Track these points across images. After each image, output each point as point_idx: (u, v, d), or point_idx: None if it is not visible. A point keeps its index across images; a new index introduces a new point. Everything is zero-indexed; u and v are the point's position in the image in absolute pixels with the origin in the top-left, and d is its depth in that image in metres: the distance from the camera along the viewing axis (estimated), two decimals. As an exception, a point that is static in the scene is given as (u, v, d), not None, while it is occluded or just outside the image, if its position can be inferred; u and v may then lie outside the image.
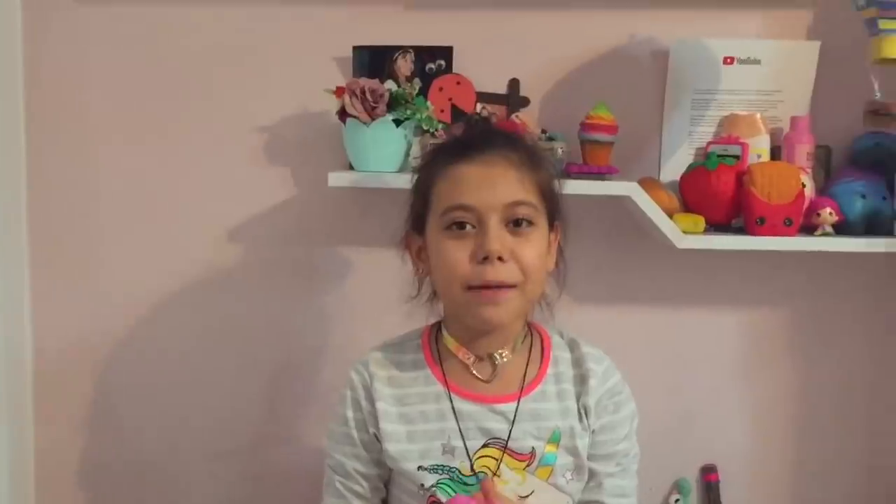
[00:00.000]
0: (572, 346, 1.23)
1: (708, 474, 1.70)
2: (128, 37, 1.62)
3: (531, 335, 1.22)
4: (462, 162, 1.12)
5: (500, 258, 1.08)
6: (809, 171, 1.55)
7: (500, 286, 1.09)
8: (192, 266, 1.65)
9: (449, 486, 1.14)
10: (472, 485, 1.13)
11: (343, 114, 1.49)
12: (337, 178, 1.47)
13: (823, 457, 1.71)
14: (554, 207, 1.16)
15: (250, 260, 1.66)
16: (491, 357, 1.17)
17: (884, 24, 1.23)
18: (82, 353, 1.67)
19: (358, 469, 1.18)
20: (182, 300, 1.66)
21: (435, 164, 1.16)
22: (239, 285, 1.66)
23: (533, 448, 1.15)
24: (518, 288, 1.10)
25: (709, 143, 1.59)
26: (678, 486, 1.70)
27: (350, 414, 1.18)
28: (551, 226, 1.16)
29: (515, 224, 1.10)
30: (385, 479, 1.21)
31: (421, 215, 1.17)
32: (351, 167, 1.55)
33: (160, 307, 1.66)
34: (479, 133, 1.19)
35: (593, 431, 1.18)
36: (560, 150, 1.48)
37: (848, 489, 1.71)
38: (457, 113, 1.57)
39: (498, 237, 1.08)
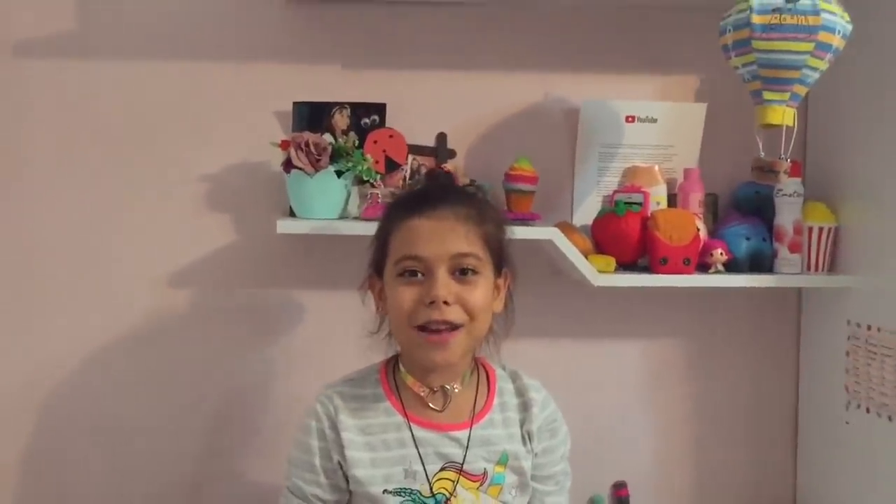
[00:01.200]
0: (514, 377, 1.37)
1: (619, 490, 1.83)
2: (69, 89, 1.65)
3: (478, 369, 1.35)
4: (416, 216, 1.24)
5: (445, 302, 1.20)
6: (701, 216, 1.73)
7: (447, 326, 1.21)
8: (137, 310, 1.69)
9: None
10: None
11: (288, 165, 1.57)
12: (285, 225, 1.55)
13: (717, 470, 1.88)
14: (500, 256, 1.29)
15: (193, 303, 1.70)
16: (443, 389, 1.29)
17: (767, 96, 1.43)
18: (24, 390, 1.67)
19: (316, 494, 1.26)
20: (126, 343, 1.69)
21: (393, 217, 1.28)
22: (183, 328, 1.70)
23: (485, 469, 1.27)
24: (464, 328, 1.23)
25: (615, 192, 1.74)
26: (593, 502, 1.83)
27: (315, 443, 1.27)
28: (499, 272, 1.30)
29: (461, 272, 1.23)
30: None
31: (380, 261, 1.28)
32: (292, 214, 1.63)
33: (104, 349, 1.68)
34: (433, 189, 1.31)
35: (535, 454, 1.32)
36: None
37: (737, 498, 1.89)
38: (390, 163, 1.68)
39: (444, 285, 1.21)
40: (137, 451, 1.71)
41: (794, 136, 1.46)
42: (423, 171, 1.71)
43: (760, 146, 1.50)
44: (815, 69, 1.41)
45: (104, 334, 1.69)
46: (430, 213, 1.24)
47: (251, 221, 1.70)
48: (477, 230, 1.25)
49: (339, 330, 1.32)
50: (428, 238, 1.22)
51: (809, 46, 1.36)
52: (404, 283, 1.23)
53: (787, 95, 1.43)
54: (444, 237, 1.22)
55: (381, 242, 1.29)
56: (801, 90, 1.44)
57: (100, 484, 1.70)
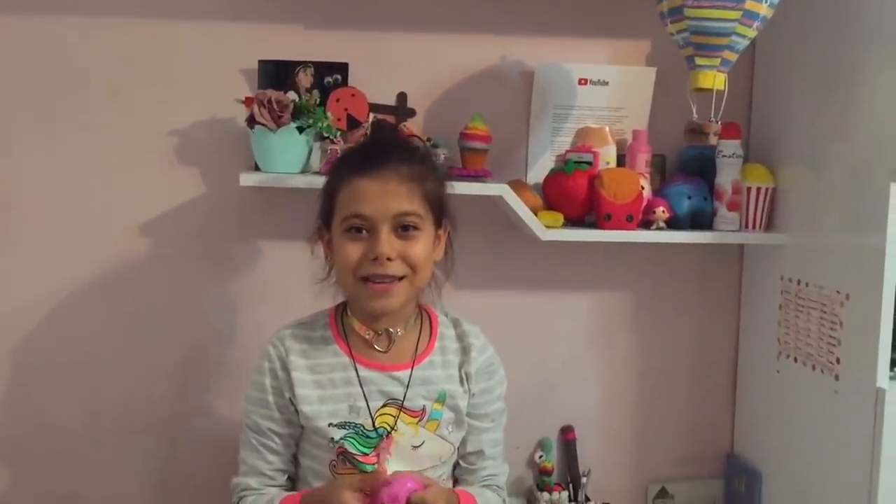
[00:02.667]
0: (455, 323, 1.46)
1: (566, 433, 1.93)
2: (41, 44, 1.69)
3: (421, 315, 1.44)
4: (361, 176, 1.31)
5: (388, 258, 1.29)
6: (648, 175, 1.81)
7: (391, 279, 1.30)
8: (108, 257, 1.74)
9: (355, 439, 1.34)
10: (373, 438, 1.34)
11: (252, 121, 1.63)
12: (248, 178, 1.62)
13: (660, 415, 1.98)
14: (440, 210, 1.37)
15: (162, 252, 1.76)
16: (388, 332, 1.39)
17: (699, 61, 1.50)
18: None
19: (272, 428, 1.36)
20: (97, 289, 1.75)
21: (340, 174, 1.35)
22: (151, 274, 1.76)
23: (424, 406, 1.37)
24: (406, 279, 1.32)
25: (566, 151, 1.81)
26: (541, 445, 1.92)
27: (267, 381, 1.36)
28: (440, 224, 1.38)
29: (403, 229, 1.31)
30: (296, 438, 1.39)
31: (328, 214, 1.37)
32: (257, 168, 1.69)
33: (75, 294, 1.74)
34: (379, 148, 1.36)
35: (473, 395, 1.41)
36: (442, 156, 1.69)
37: (679, 442, 2.00)
38: (352, 121, 1.73)
39: (387, 242, 1.29)
40: (111, 389, 1.78)
41: (724, 99, 1.51)
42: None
43: (694, 109, 1.56)
44: (743, 36, 1.47)
45: (77, 280, 1.74)
46: (373, 173, 1.31)
47: (217, 175, 1.76)
48: (418, 188, 1.32)
49: (297, 276, 1.40)
50: (372, 198, 1.30)
51: (737, 14, 1.43)
52: (350, 239, 1.31)
53: (717, 61, 1.49)
54: (386, 197, 1.30)
55: (329, 197, 1.36)
56: (731, 56, 1.50)
57: (74, 421, 1.77)
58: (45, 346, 1.76)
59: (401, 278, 1.32)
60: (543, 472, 1.92)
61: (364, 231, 1.31)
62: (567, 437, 1.94)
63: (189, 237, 1.78)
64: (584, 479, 1.90)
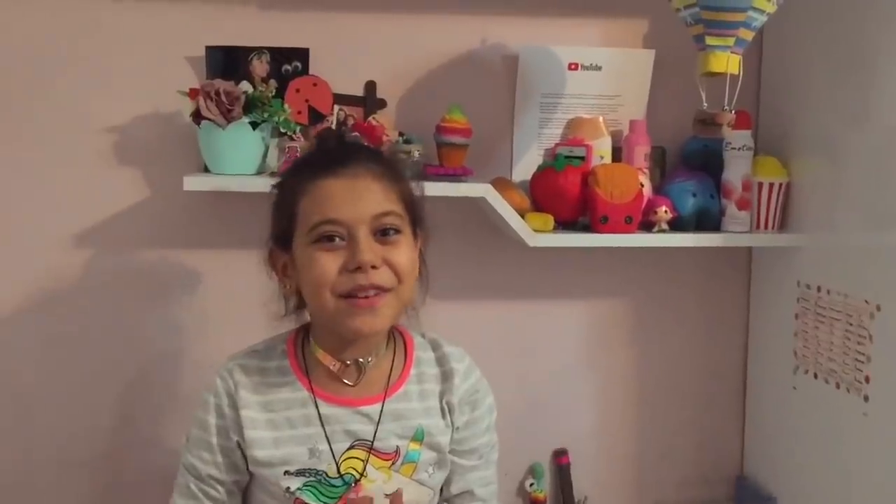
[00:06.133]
0: (434, 345, 1.27)
1: (559, 458, 1.79)
2: None
3: (394, 337, 1.25)
4: (326, 177, 1.13)
5: (372, 266, 1.10)
6: (647, 170, 1.66)
7: (377, 290, 1.11)
8: (39, 273, 1.59)
9: (315, 488, 1.16)
10: (338, 486, 1.16)
11: (198, 116, 1.46)
12: (192, 182, 1.45)
13: (662, 435, 1.84)
14: (416, 216, 1.20)
15: (101, 265, 1.60)
16: (357, 362, 1.19)
17: (710, 41, 1.33)
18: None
19: (213, 475, 1.18)
20: (28, 307, 1.59)
21: (298, 180, 1.16)
22: (88, 291, 1.60)
23: (397, 447, 1.19)
24: (393, 292, 1.13)
25: (556, 145, 1.66)
26: (532, 471, 1.78)
27: (212, 420, 1.18)
28: (414, 234, 1.20)
29: (383, 233, 1.13)
30: (242, 485, 1.21)
31: (286, 231, 1.16)
32: (207, 169, 1.53)
33: (6, 315, 1.59)
34: (341, 147, 1.20)
35: (457, 428, 1.24)
36: (417, 153, 1.52)
37: (684, 464, 1.86)
38: (314, 114, 1.58)
39: (369, 247, 1.11)
40: (44, 420, 1.62)
41: (738, 85, 1.37)
42: (351, 122, 1.61)
43: (703, 96, 1.41)
44: (761, 11, 1.32)
45: (5, 297, 1.58)
46: (341, 171, 1.13)
47: (161, 177, 1.59)
48: (393, 187, 1.15)
49: (253, 292, 1.23)
50: (344, 199, 1.12)
51: (755, -14, 1.26)
52: (322, 250, 1.12)
53: (731, 41, 1.33)
54: (361, 196, 1.12)
55: (287, 210, 1.16)
56: (748, 35, 1.34)
57: (2, 456, 1.62)
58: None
59: (386, 290, 1.12)
60: (535, 503, 1.77)
61: (338, 239, 1.11)
62: (560, 462, 1.80)
63: (131, 249, 1.62)
64: (579, 509, 1.77)
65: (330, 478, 1.16)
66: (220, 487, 1.19)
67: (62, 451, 1.63)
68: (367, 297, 1.11)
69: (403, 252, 1.14)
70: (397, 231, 1.14)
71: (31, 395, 1.61)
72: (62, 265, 1.59)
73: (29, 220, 1.57)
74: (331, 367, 1.19)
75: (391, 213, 1.13)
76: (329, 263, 1.11)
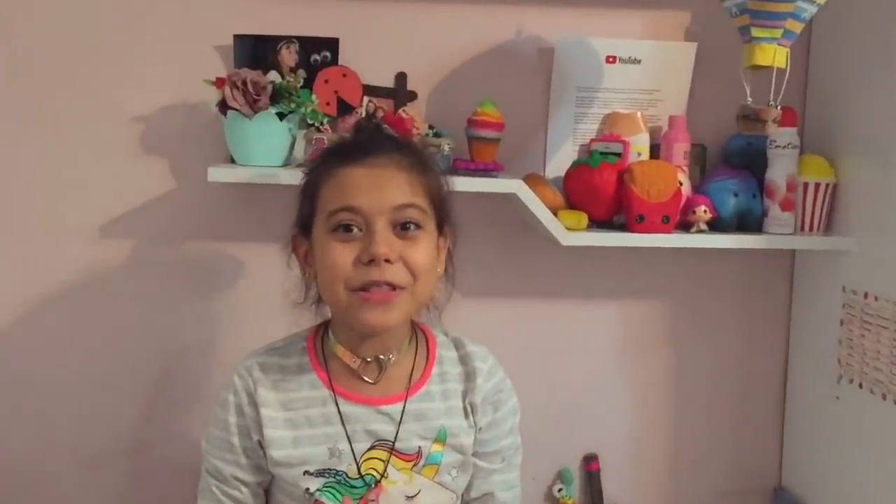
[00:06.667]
0: (457, 344, 1.23)
1: (590, 463, 1.74)
2: None
3: (416, 335, 1.22)
4: (350, 164, 1.10)
5: (387, 260, 1.07)
6: (686, 168, 1.60)
7: (390, 287, 1.07)
8: (65, 264, 1.57)
9: (335, 489, 1.13)
10: (359, 487, 1.13)
11: (224, 106, 1.44)
12: (216, 174, 1.42)
13: (697, 444, 1.78)
14: (443, 213, 1.16)
15: (126, 257, 1.58)
16: (378, 360, 1.16)
17: (756, 32, 1.27)
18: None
19: (236, 475, 1.15)
20: (54, 300, 1.58)
21: (323, 166, 1.13)
22: (114, 283, 1.58)
23: (419, 448, 1.15)
24: (407, 290, 1.09)
25: (592, 141, 1.62)
26: (561, 476, 1.74)
27: (232, 419, 1.15)
28: (440, 231, 1.16)
29: (403, 227, 1.09)
30: (265, 486, 1.18)
31: (308, 218, 1.14)
32: (233, 160, 1.50)
33: (31, 307, 1.57)
34: (371, 136, 1.17)
35: (480, 429, 1.20)
36: (447, 147, 1.48)
37: (720, 474, 1.79)
38: (343, 106, 1.55)
39: (385, 240, 1.07)
40: (68, 415, 1.60)
41: (786, 79, 1.30)
42: (381, 114, 1.57)
43: (748, 91, 1.35)
44: (812, 2, 1.26)
45: (27, 288, 1.57)
46: (365, 159, 1.10)
47: (188, 168, 1.57)
48: (419, 179, 1.11)
49: (279, 286, 1.20)
50: (365, 187, 1.08)
51: (805, -26, 1.20)
52: (338, 240, 1.09)
53: (779, 32, 1.27)
54: (383, 186, 1.08)
55: (309, 196, 1.14)
56: (796, 26, 1.28)
57: (25, 451, 1.60)
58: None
59: (401, 288, 1.08)
60: None
61: (355, 229, 1.08)
62: (590, 468, 1.75)
63: (156, 240, 1.59)
64: (609, 517, 1.72)
65: (350, 478, 1.13)
66: (243, 488, 1.16)
67: (86, 445, 1.62)
68: (380, 293, 1.07)
69: (422, 249, 1.10)
70: (418, 226, 1.10)
71: (56, 388, 1.60)
72: (87, 256, 1.57)
73: (54, 210, 1.56)
74: (350, 364, 1.16)
75: (413, 205, 1.09)
76: (344, 255, 1.08)
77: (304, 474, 1.12)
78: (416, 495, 1.15)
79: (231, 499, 1.15)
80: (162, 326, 1.61)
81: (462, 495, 1.22)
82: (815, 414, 1.68)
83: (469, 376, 1.20)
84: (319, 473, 1.12)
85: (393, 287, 1.08)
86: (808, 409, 1.71)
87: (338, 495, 1.13)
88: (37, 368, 1.59)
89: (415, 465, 1.15)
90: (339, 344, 1.17)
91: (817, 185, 1.56)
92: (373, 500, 1.13)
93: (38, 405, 1.60)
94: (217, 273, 1.61)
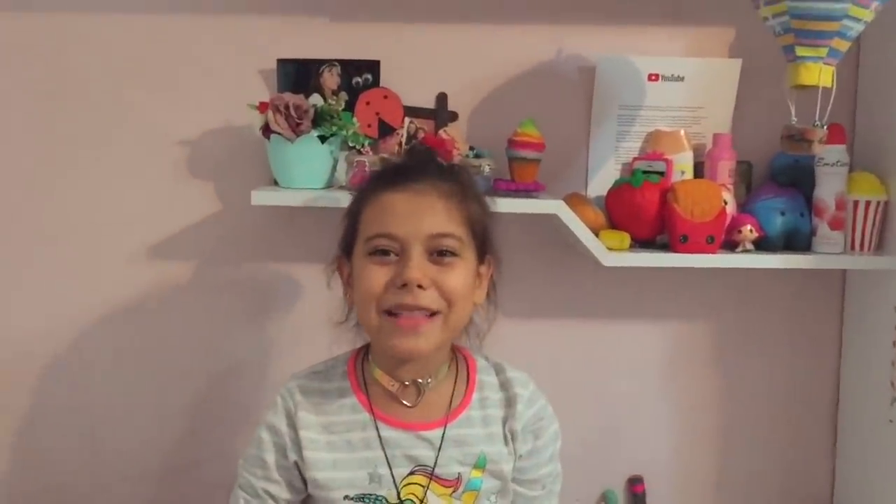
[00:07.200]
0: (498, 370, 1.22)
1: (634, 485, 1.71)
2: (32, 44, 1.54)
3: (456, 360, 1.21)
4: (391, 190, 1.11)
5: (420, 286, 1.07)
6: (731, 187, 1.57)
7: (422, 313, 1.08)
8: (111, 286, 1.59)
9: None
10: None
11: (267, 130, 1.45)
12: (259, 197, 1.43)
13: (745, 466, 1.74)
14: (484, 240, 1.16)
15: (172, 280, 1.60)
16: (416, 383, 1.16)
17: (801, 52, 1.24)
18: (-1, 374, 1.61)
19: (268, 490, 1.16)
20: (100, 320, 1.60)
21: (367, 189, 1.15)
22: (159, 303, 1.60)
23: (459, 474, 1.15)
24: (440, 316, 1.10)
25: (634, 159, 1.59)
26: (605, 498, 1.71)
27: (270, 438, 1.16)
28: (482, 259, 1.16)
29: (440, 254, 1.10)
30: None
31: (350, 240, 1.16)
32: (276, 183, 1.51)
33: (78, 328, 1.60)
34: (415, 162, 1.17)
35: (520, 456, 1.19)
36: (487, 168, 1.47)
37: (769, 498, 1.75)
38: (384, 127, 1.55)
39: (419, 266, 1.08)
40: (114, 433, 1.62)
41: (832, 98, 1.27)
42: (421, 135, 1.58)
43: (793, 111, 1.32)
44: (858, 20, 1.22)
45: (74, 309, 1.59)
46: (407, 186, 1.11)
47: (233, 190, 1.58)
48: (459, 208, 1.12)
49: (322, 308, 1.21)
50: (403, 214, 1.09)
51: (851, -8, 1.17)
52: (374, 263, 1.10)
53: (824, 51, 1.24)
54: (421, 214, 1.09)
55: (352, 220, 1.16)
56: (842, 45, 1.25)
57: (73, 470, 1.63)
58: (39, 387, 1.61)
59: (433, 314, 1.09)
60: None
61: (392, 254, 1.09)
62: (635, 490, 1.72)
63: (201, 261, 1.61)
64: (655, 540, 1.68)
65: (390, 503, 1.13)
66: (270, 502, 1.16)
67: (131, 466, 1.63)
68: (411, 319, 1.08)
69: (457, 276, 1.10)
70: (454, 254, 1.10)
71: (102, 408, 1.62)
72: (133, 279, 1.59)
73: (100, 232, 1.58)
74: (389, 388, 1.16)
75: (450, 235, 1.10)
76: (378, 276, 1.09)
77: (344, 498, 1.12)
78: (453, 521, 1.14)
79: None
80: (206, 347, 1.62)
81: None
82: (868, 437, 1.62)
83: (510, 402, 1.19)
84: (359, 498, 1.12)
85: (425, 312, 1.08)
86: (860, 433, 1.66)
87: (378, 520, 1.12)
88: (83, 388, 1.61)
89: (454, 491, 1.14)
90: (377, 367, 1.17)
91: (868, 203, 1.52)
92: None
93: (86, 424, 1.62)
94: (263, 294, 1.62)
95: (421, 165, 1.16)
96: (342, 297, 1.20)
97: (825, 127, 1.29)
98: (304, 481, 1.15)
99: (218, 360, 1.63)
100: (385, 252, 1.09)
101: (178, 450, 1.64)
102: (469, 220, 1.13)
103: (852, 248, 1.54)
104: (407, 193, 1.10)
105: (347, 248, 1.17)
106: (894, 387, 1.53)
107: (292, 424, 1.15)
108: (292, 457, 1.15)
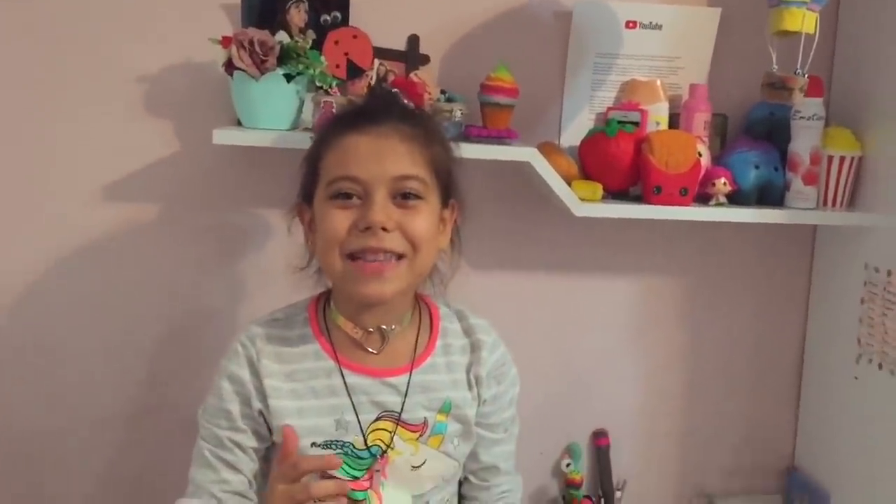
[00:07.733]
0: (460, 316, 1.23)
1: (599, 439, 1.71)
2: None
3: (419, 307, 1.20)
4: (353, 133, 1.09)
5: (384, 229, 1.05)
6: (706, 139, 1.55)
7: (387, 256, 1.06)
8: (66, 227, 1.53)
9: (343, 460, 1.11)
10: (365, 458, 1.12)
11: (230, 66, 1.39)
12: (221, 136, 1.37)
13: (709, 420, 1.75)
14: (448, 185, 1.14)
15: (130, 219, 1.54)
16: (380, 330, 1.14)
17: (785, -4, 1.22)
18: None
19: (233, 439, 1.13)
20: (57, 263, 1.54)
21: (327, 133, 1.12)
22: (118, 246, 1.54)
23: (425, 419, 1.15)
24: (405, 260, 1.08)
25: (609, 109, 1.56)
26: (569, 451, 1.71)
27: (233, 388, 1.13)
28: (446, 203, 1.14)
29: (403, 197, 1.08)
30: (261, 454, 1.16)
31: (311, 185, 1.13)
32: (240, 123, 1.46)
33: (32, 270, 1.54)
34: (377, 104, 1.15)
35: (484, 401, 1.19)
36: (459, 113, 1.43)
37: (732, 452, 1.76)
38: (353, 69, 1.50)
39: (383, 209, 1.06)
40: (72, 378, 1.58)
41: (814, 46, 1.25)
42: (391, 78, 1.53)
43: (774, 58, 1.30)
44: None
45: (31, 251, 1.53)
46: (369, 128, 1.09)
47: (194, 129, 1.51)
48: (422, 150, 1.10)
49: (283, 252, 1.18)
50: (366, 157, 1.07)
51: (838, -66, 1.14)
52: (336, 207, 1.08)
53: None
54: (384, 156, 1.07)
55: (312, 164, 1.13)
56: (826, -10, 1.22)
57: (31, 413, 1.58)
58: (-1, 334, 1.55)
59: (399, 257, 1.07)
60: (571, 484, 1.70)
61: (355, 197, 1.07)
62: (599, 443, 1.72)
63: (161, 203, 1.55)
64: (618, 493, 1.70)
65: (357, 450, 1.12)
66: (238, 452, 1.14)
67: (90, 410, 1.59)
68: (375, 262, 1.06)
69: (421, 219, 1.08)
70: (418, 197, 1.09)
71: (60, 351, 1.57)
72: (90, 219, 1.53)
73: (58, 172, 1.52)
74: (353, 335, 1.14)
75: (414, 177, 1.08)
76: (340, 220, 1.07)
77: (311, 446, 1.11)
78: (421, 465, 1.14)
79: (223, 461, 1.13)
80: (164, 290, 1.57)
81: (465, 464, 1.22)
82: (832, 394, 1.64)
83: (473, 348, 1.19)
84: (326, 445, 1.11)
85: (391, 255, 1.06)
86: (824, 389, 1.67)
87: (345, 467, 1.11)
88: (40, 330, 1.55)
89: (421, 435, 1.14)
90: (340, 314, 1.15)
91: (842, 159, 1.51)
92: (378, 471, 1.12)
93: (44, 369, 1.56)
94: (225, 238, 1.57)
95: (383, 108, 1.13)
96: (303, 244, 1.17)
97: (806, 76, 1.27)
98: (270, 429, 1.13)
99: (174, 303, 1.58)
100: (348, 195, 1.07)
101: (142, 394, 1.60)
102: (433, 163, 1.11)
103: (825, 203, 1.53)
104: (369, 136, 1.08)
105: (307, 193, 1.14)
106: (861, 344, 1.54)
107: (255, 373, 1.12)
108: (257, 405, 1.12)
